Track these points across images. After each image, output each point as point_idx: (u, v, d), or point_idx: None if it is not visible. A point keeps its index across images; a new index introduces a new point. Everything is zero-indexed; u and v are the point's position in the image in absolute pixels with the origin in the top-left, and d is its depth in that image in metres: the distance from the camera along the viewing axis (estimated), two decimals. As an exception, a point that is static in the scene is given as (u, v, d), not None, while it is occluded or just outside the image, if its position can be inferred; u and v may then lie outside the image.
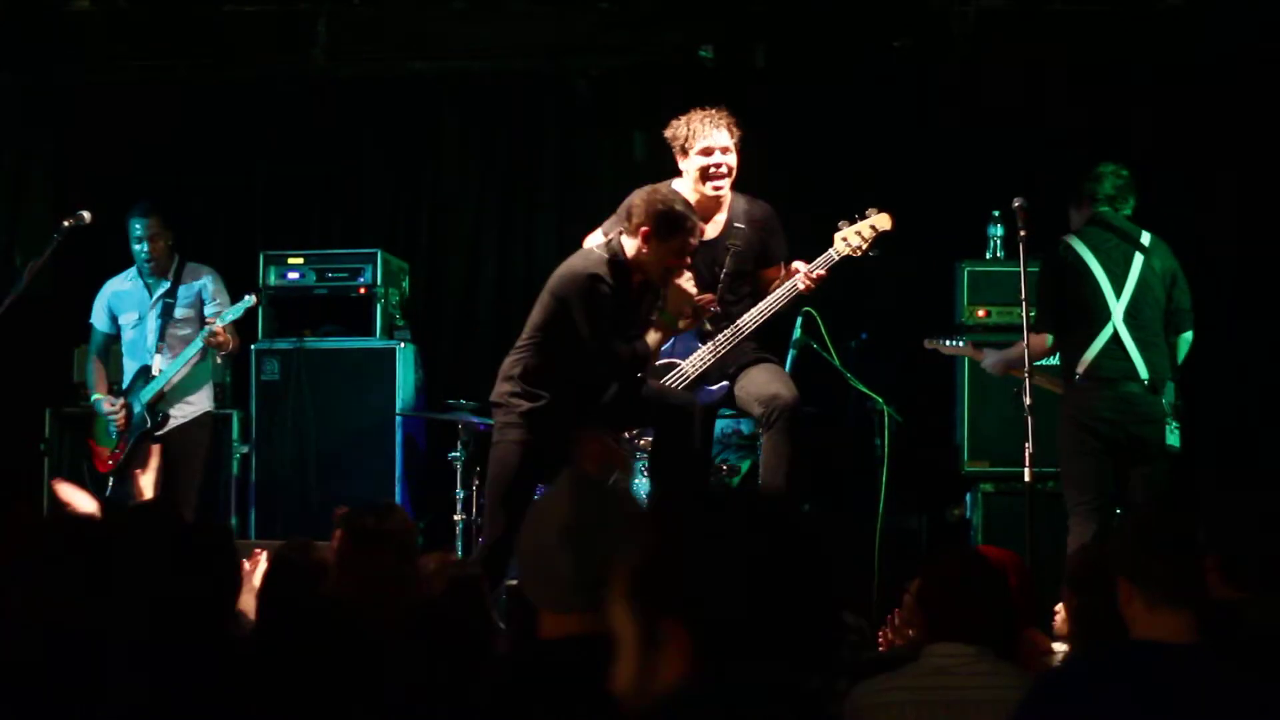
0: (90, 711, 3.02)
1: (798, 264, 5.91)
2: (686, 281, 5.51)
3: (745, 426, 6.63)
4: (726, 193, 6.00)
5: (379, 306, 7.55)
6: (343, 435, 7.40)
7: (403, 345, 7.48)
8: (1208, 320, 7.74)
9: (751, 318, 5.86)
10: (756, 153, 8.03)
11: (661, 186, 5.57)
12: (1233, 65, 7.60)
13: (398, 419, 7.38)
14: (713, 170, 5.92)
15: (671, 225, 5.40)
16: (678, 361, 5.95)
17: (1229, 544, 3.43)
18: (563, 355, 5.43)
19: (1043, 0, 7.61)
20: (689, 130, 5.94)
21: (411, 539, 3.84)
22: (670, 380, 5.88)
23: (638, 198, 5.50)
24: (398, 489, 7.33)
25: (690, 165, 5.87)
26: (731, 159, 5.95)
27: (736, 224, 6.03)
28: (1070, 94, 7.81)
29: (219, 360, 7.09)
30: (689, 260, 5.51)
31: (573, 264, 5.53)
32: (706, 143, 5.92)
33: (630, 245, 5.49)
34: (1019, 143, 7.63)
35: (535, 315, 5.55)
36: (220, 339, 6.70)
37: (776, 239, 6.10)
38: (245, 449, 7.48)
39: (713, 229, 5.99)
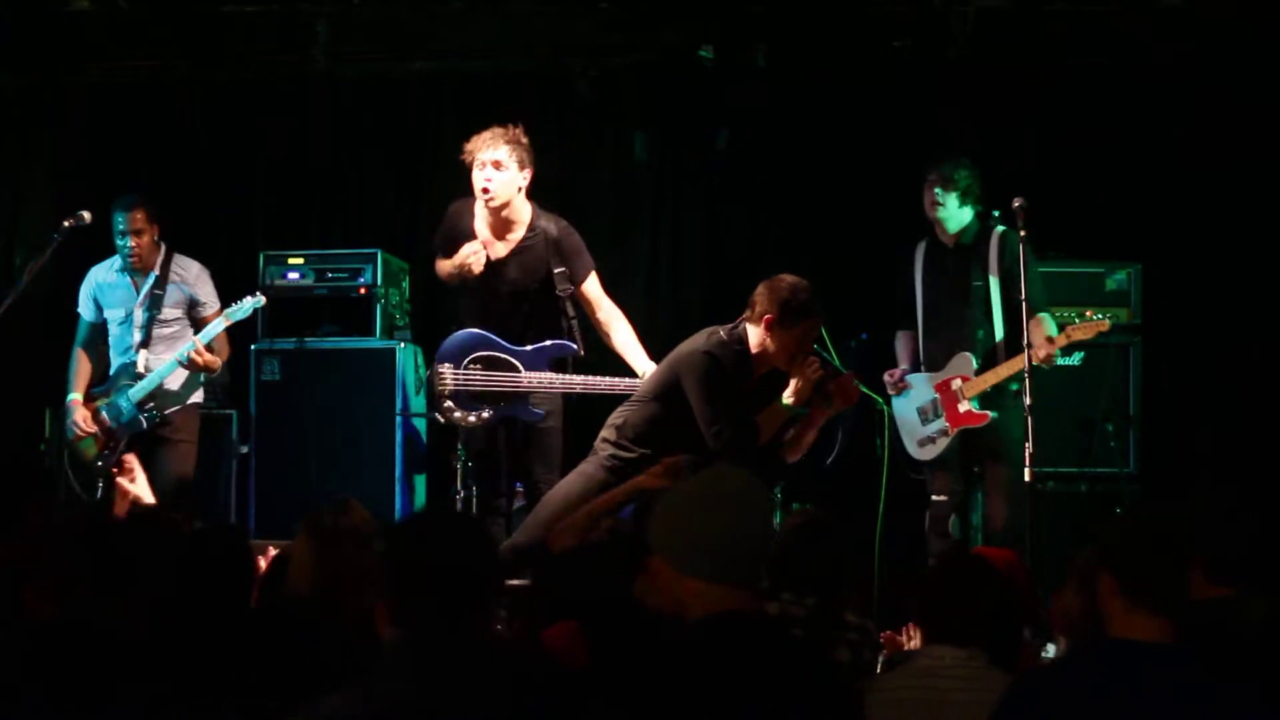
0: (102, 711, 3.03)
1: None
2: (812, 369, 5.59)
3: None
4: (500, 203, 6.34)
5: (379, 306, 7.55)
6: (343, 435, 7.38)
7: (403, 345, 7.48)
8: (1202, 321, 7.77)
9: (597, 384, 6.29)
10: (756, 153, 8.09)
11: (785, 276, 5.67)
12: (1232, 65, 7.61)
13: (398, 419, 7.37)
14: (483, 180, 6.30)
15: (795, 313, 5.54)
16: (520, 368, 6.34)
17: (1212, 542, 3.44)
18: (665, 422, 5.64)
19: (1043, 0, 7.61)
20: (471, 145, 6.32)
21: (371, 534, 3.84)
22: (500, 380, 6.32)
23: (760, 287, 5.63)
24: (398, 489, 7.33)
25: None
26: (503, 174, 6.30)
27: (529, 243, 6.42)
28: (1070, 94, 7.81)
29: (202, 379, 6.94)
30: (813, 348, 5.66)
31: (693, 341, 5.71)
32: (478, 157, 6.31)
33: (754, 335, 5.63)
34: (1019, 143, 7.63)
35: (649, 381, 5.86)
36: (202, 361, 6.60)
37: (577, 259, 6.44)
38: (245, 449, 7.47)
39: (504, 248, 6.42)
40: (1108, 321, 6.36)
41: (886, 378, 6.60)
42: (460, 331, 6.45)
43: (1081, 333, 6.27)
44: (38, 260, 6.77)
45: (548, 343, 6.41)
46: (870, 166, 7.84)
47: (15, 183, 8.35)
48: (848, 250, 7.74)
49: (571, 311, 6.44)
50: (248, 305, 6.75)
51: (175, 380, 6.75)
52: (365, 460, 7.37)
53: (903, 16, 7.67)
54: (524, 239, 6.44)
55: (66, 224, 6.66)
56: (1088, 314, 6.96)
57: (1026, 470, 5.72)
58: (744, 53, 7.77)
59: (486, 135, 6.35)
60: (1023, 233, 5.92)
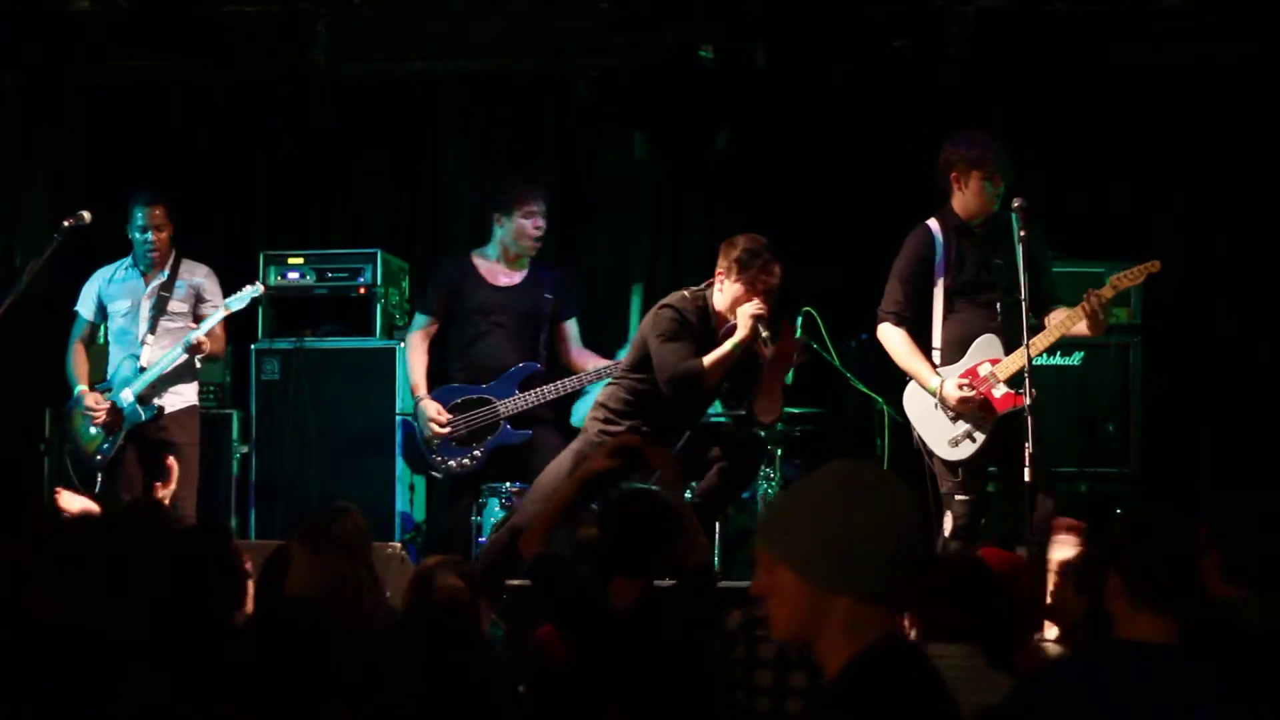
0: (105, 710, 3.03)
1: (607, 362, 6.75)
2: (752, 307, 5.74)
3: None
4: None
5: (379, 306, 7.55)
6: (343, 435, 7.39)
7: (403, 345, 7.47)
8: (1204, 320, 7.77)
9: (558, 388, 6.71)
10: (756, 153, 8.09)
11: (742, 234, 5.93)
12: (1232, 65, 7.60)
13: (398, 419, 7.37)
14: (533, 229, 6.89)
15: (743, 262, 5.77)
16: (493, 399, 6.74)
17: (1230, 542, 3.45)
18: (645, 392, 5.87)
19: (1043, 0, 7.60)
20: (521, 195, 6.92)
21: (364, 541, 3.85)
22: (479, 415, 6.75)
23: (721, 248, 5.92)
24: (397, 489, 7.33)
25: (513, 222, 6.84)
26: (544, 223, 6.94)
27: (540, 276, 6.95)
28: (1070, 94, 7.81)
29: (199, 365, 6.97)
30: (763, 293, 5.78)
31: (659, 303, 5.99)
32: (530, 206, 6.91)
33: (717, 296, 5.85)
34: (1019, 143, 7.62)
35: (627, 355, 6.11)
36: (205, 349, 6.72)
37: (568, 295, 7.03)
38: (245, 449, 7.47)
39: (519, 276, 6.96)
40: (1157, 262, 5.93)
41: (967, 387, 5.87)
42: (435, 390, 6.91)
43: (1129, 278, 5.91)
44: (38, 260, 6.78)
45: (513, 369, 6.75)
46: (870, 167, 7.84)
47: (15, 183, 8.35)
48: (848, 250, 7.74)
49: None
50: (246, 294, 6.85)
51: (170, 375, 6.76)
52: (365, 460, 7.37)
53: (903, 16, 7.66)
54: (530, 270, 6.96)
55: (66, 224, 6.67)
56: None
57: (1026, 470, 5.67)
58: (744, 53, 7.76)
59: (537, 189, 6.99)
60: (1023, 233, 5.86)
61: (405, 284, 7.91)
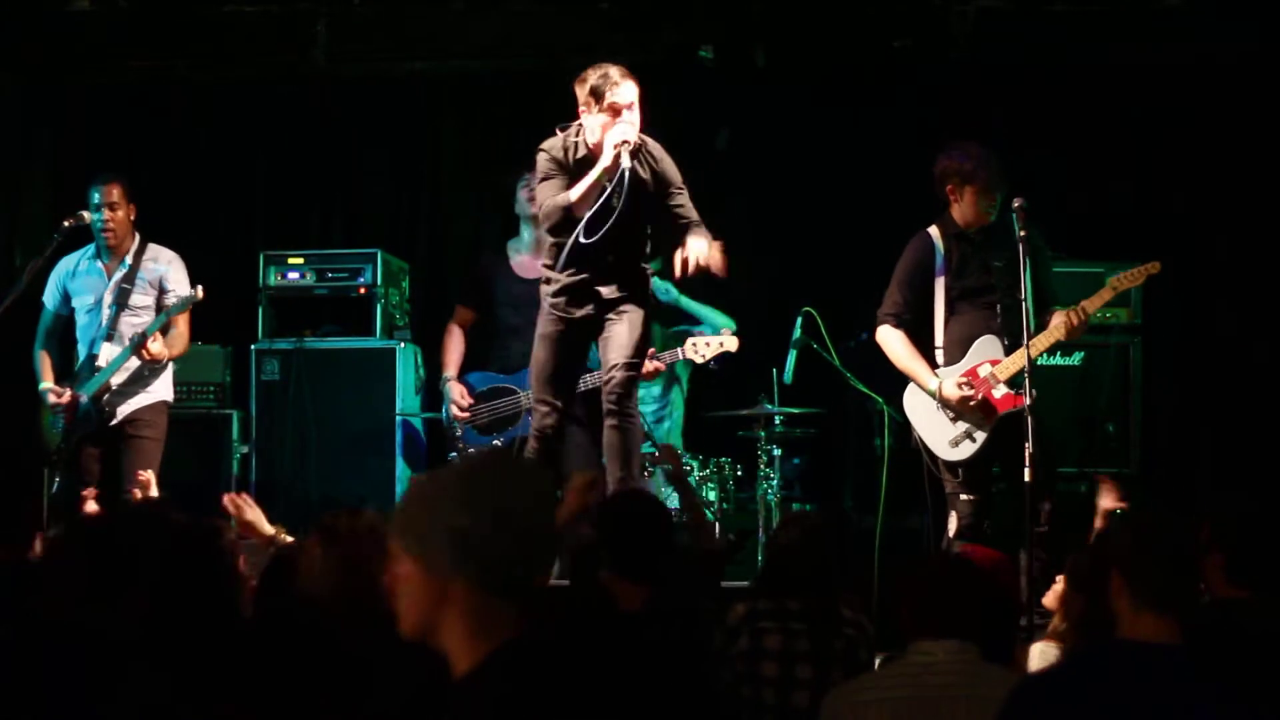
0: (105, 710, 3.02)
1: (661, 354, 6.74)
2: (616, 133, 5.65)
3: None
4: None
5: (379, 306, 7.55)
6: (343, 435, 7.39)
7: (403, 345, 7.48)
8: (1204, 320, 7.78)
9: (582, 383, 6.37)
10: (756, 153, 8.09)
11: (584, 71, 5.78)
12: (1232, 65, 7.61)
13: (398, 419, 7.38)
14: (526, 197, 6.81)
15: (594, 94, 5.67)
16: (517, 390, 6.74)
17: (1232, 543, 3.45)
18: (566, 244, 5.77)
19: (1043, 0, 7.61)
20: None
21: (382, 540, 3.84)
22: (503, 405, 6.78)
23: (574, 87, 5.79)
24: (397, 489, 7.33)
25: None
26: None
27: None
28: (1070, 94, 7.81)
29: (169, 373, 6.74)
30: (619, 113, 5.68)
31: None
32: (525, 178, 6.74)
33: (587, 132, 5.75)
34: (1019, 143, 7.63)
35: None
36: (152, 354, 6.41)
37: None
38: (245, 449, 7.47)
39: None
40: (1157, 264, 5.94)
41: (967, 386, 5.87)
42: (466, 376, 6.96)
43: (1129, 280, 5.92)
44: (38, 260, 6.76)
45: None
46: (870, 167, 7.84)
47: (15, 183, 8.35)
48: (848, 250, 7.75)
49: None
50: (184, 301, 6.54)
51: (136, 373, 6.60)
52: (365, 460, 7.37)
53: (903, 16, 7.67)
54: None
55: (66, 224, 6.64)
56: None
57: (1026, 470, 5.65)
58: (744, 53, 7.76)
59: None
60: (1022, 233, 5.83)
61: (405, 284, 7.91)
